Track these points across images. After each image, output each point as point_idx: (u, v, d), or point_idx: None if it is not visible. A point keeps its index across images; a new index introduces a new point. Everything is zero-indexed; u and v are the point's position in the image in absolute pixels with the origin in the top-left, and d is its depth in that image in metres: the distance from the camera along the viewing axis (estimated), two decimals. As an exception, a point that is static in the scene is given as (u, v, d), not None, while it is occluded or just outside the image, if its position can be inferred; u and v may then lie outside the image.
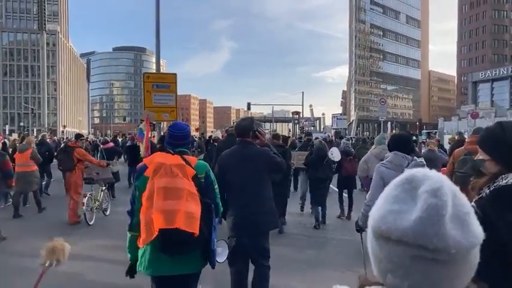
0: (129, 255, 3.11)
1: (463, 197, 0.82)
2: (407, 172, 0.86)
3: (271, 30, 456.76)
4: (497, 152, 1.82)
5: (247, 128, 4.28)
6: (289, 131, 61.52)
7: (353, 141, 17.33)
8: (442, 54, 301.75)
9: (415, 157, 4.13)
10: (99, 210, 9.34)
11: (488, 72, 71.51)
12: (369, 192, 4.02)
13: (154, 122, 9.56)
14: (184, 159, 3.00)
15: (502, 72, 69.04)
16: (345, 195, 9.58)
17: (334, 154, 8.81)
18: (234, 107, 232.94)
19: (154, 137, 12.12)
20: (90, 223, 8.72)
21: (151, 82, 10.51)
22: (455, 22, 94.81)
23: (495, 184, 1.75)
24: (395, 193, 0.83)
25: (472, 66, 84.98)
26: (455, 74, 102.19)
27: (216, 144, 11.44)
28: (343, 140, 10.31)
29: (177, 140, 3.18)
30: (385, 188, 0.88)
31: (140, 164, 3.08)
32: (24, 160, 9.76)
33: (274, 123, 72.45)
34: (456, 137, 12.06)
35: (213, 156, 8.78)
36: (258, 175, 4.17)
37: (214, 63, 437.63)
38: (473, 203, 1.69)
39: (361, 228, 4.03)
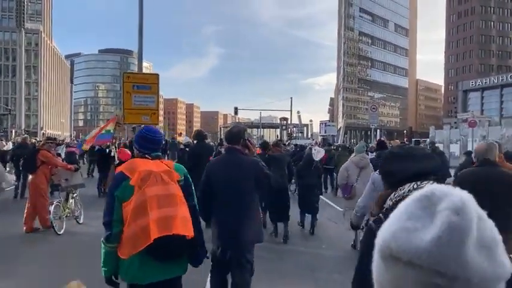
0: (104, 269, 2.82)
1: (490, 223, 0.72)
2: (427, 188, 0.76)
3: (259, 37, 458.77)
4: None
5: (238, 135, 4.10)
6: (277, 137, 61.20)
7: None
8: (431, 63, 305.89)
9: None
10: (70, 218, 8.68)
11: (479, 81, 72.01)
12: (362, 195, 4.46)
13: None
14: (166, 165, 2.96)
15: (492, 82, 69.61)
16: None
17: (316, 153, 8.95)
18: (221, 112, 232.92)
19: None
20: (60, 232, 8.08)
21: (132, 82, 10.17)
22: (444, 32, 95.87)
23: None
24: (411, 209, 0.73)
25: (460, 76, 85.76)
26: (442, 83, 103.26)
27: (187, 149, 11.62)
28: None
29: (154, 144, 3.05)
30: (399, 205, 0.78)
31: (117, 172, 2.89)
32: None
33: (262, 129, 72.15)
34: None
35: (185, 162, 8.46)
36: (246, 185, 3.97)
37: (202, 68, 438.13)
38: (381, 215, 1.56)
39: (356, 227, 4.56)
